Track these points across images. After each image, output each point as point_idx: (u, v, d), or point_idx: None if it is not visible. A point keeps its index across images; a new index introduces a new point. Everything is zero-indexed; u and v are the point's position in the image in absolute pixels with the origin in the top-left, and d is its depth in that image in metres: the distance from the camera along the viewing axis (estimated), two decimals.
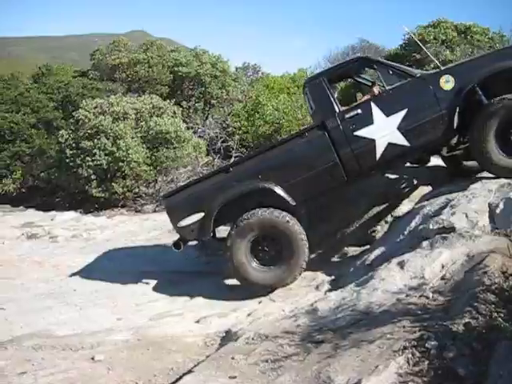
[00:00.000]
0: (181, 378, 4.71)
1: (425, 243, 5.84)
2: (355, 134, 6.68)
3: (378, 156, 6.71)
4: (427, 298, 4.94)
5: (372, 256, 6.45)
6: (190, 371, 4.82)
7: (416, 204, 7.01)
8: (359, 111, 6.72)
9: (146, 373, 4.94)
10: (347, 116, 6.71)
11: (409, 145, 6.69)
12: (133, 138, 13.73)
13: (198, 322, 6.16)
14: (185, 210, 6.85)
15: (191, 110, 19.12)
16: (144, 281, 7.80)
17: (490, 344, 4.08)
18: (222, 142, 16.33)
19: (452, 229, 5.80)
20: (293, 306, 5.99)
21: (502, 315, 4.17)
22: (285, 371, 4.38)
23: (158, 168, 13.85)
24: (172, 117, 14.99)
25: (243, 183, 6.71)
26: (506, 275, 4.81)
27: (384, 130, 6.65)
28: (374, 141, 6.66)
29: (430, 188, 7.60)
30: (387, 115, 6.66)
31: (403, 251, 5.94)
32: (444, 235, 5.78)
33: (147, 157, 13.64)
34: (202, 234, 6.91)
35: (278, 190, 6.66)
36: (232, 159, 14.35)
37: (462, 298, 4.70)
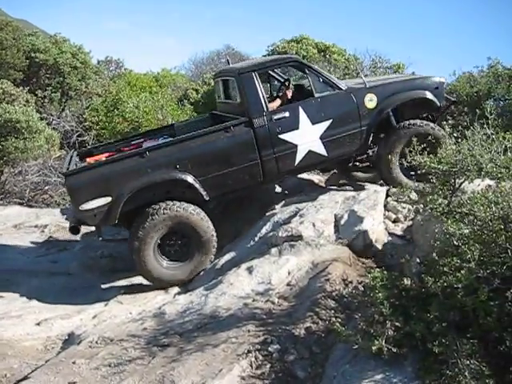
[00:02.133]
0: None
1: (273, 250, 6.03)
2: (280, 136, 6.65)
3: (296, 161, 6.75)
4: (273, 303, 5.11)
5: (222, 260, 6.53)
6: (25, 377, 4.57)
7: (267, 211, 7.22)
8: (287, 114, 6.70)
9: None
10: (275, 117, 6.65)
11: (326, 155, 6.83)
12: None
13: (38, 324, 5.78)
14: (89, 192, 6.18)
15: (46, 100, 18.12)
16: None
17: (328, 347, 4.33)
18: (78, 136, 15.70)
19: (300, 237, 6.04)
20: (140, 308, 5.88)
21: (340, 320, 4.45)
22: (128, 375, 4.31)
23: (5, 159, 12.88)
24: (24, 105, 14.11)
25: (159, 171, 6.30)
26: (346, 282, 5.14)
27: (307, 137, 6.71)
28: (296, 146, 6.69)
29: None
30: (313, 123, 6.73)
31: (253, 257, 6.09)
32: (292, 243, 6.01)
33: None
34: (106, 221, 6.31)
35: (195, 183, 6.37)
36: None
37: (305, 303, 4.93)
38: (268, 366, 4.21)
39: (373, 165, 7.59)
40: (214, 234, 6.48)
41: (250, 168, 6.60)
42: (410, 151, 5.18)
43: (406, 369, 3.80)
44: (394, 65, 13.62)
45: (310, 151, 6.77)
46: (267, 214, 7.05)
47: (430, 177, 5.13)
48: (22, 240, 8.79)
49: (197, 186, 6.40)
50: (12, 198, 12.34)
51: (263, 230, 6.66)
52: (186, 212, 6.31)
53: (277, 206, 7.19)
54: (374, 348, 3.81)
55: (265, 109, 6.67)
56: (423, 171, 5.13)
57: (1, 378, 4.67)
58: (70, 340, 5.41)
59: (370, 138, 7.02)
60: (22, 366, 4.91)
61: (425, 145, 5.26)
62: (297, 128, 6.70)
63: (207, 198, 6.49)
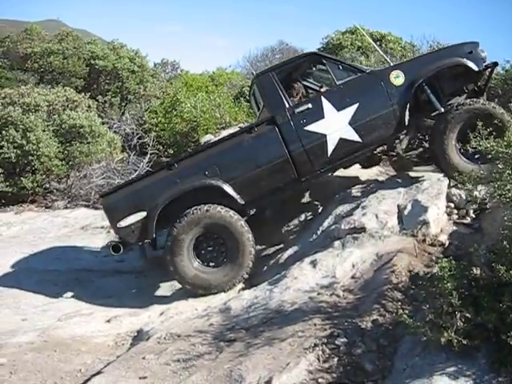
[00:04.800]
0: (89, 379, 4.59)
1: (336, 243, 5.98)
2: (306, 128, 6.51)
3: (329, 152, 6.56)
4: (338, 296, 5.06)
5: (285, 255, 6.52)
6: (98, 372, 4.70)
7: (329, 205, 7.14)
8: (309, 105, 6.58)
9: (52, 375, 4.76)
10: (297, 110, 6.54)
11: (361, 141, 6.60)
12: (44, 131, 13.10)
13: (108, 321, 5.98)
14: (124, 210, 6.32)
15: (107, 105, 18.64)
16: (52, 279, 7.46)
17: (396, 340, 4.24)
18: (138, 138, 16.01)
19: (363, 229, 5.97)
20: (206, 304, 5.95)
21: (408, 312, 4.34)
22: (197, 370, 4.36)
23: (71, 163, 13.29)
24: (87, 111, 14.50)
25: (188, 180, 6.34)
26: (413, 274, 5.01)
27: (335, 125, 6.53)
28: (325, 136, 6.52)
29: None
30: (338, 110, 6.55)
31: (316, 250, 6.05)
32: (355, 235, 5.94)
33: (59, 151, 13.05)
34: (144, 236, 6.38)
35: (226, 188, 6.35)
36: (148, 156, 14.10)
37: (371, 295, 4.85)
38: (335, 359, 4.16)
39: (429, 155, 7.24)
40: (251, 239, 6.32)
41: (280, 165, 6.48)
42: (475, 136, 4.97)
43: (480, 361, 3.68)
44: None
45: (341, 139, 6.54)
46: (329, 206, 6.98)
47: (498, 162, 4.91)
48: (90, 241, 9.08)
49: (228, 189, 6.38)
50: (78, 200, 12.70)
51: (325, 224, 6.61)
52: (216, 211, 6.26)
53: (338, 199, 7.11)
54: (443, 340, 3.70)
55: (286, 104, 6.59)
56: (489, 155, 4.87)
57: (76, 373, 4.84)
58: (139, 336, 5.55)
59: (406, 117, 6.66)
60: (95, 362, 5.07)
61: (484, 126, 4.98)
62: (322, 117, 6.55)
63: (242, 202, 6.44)
